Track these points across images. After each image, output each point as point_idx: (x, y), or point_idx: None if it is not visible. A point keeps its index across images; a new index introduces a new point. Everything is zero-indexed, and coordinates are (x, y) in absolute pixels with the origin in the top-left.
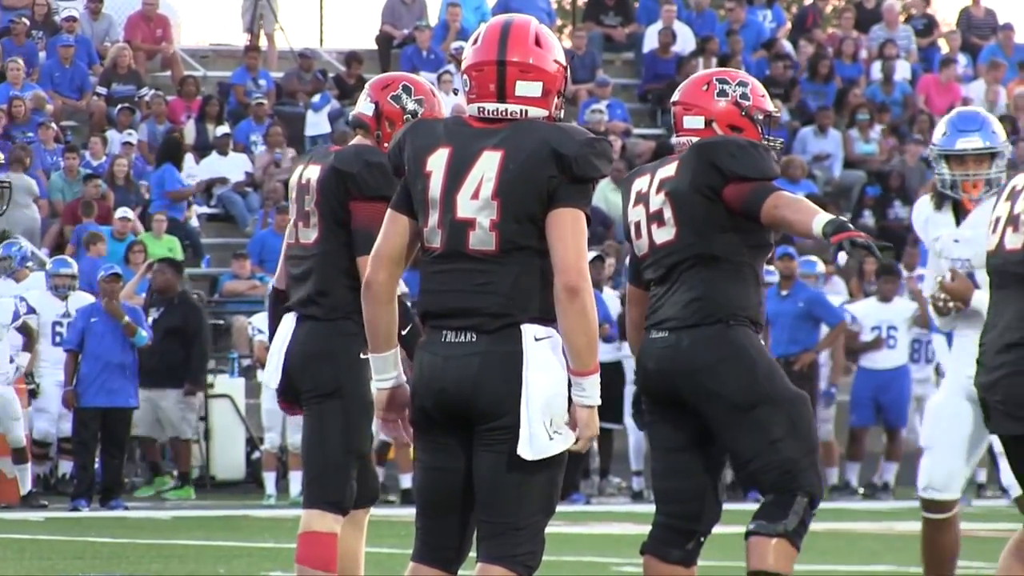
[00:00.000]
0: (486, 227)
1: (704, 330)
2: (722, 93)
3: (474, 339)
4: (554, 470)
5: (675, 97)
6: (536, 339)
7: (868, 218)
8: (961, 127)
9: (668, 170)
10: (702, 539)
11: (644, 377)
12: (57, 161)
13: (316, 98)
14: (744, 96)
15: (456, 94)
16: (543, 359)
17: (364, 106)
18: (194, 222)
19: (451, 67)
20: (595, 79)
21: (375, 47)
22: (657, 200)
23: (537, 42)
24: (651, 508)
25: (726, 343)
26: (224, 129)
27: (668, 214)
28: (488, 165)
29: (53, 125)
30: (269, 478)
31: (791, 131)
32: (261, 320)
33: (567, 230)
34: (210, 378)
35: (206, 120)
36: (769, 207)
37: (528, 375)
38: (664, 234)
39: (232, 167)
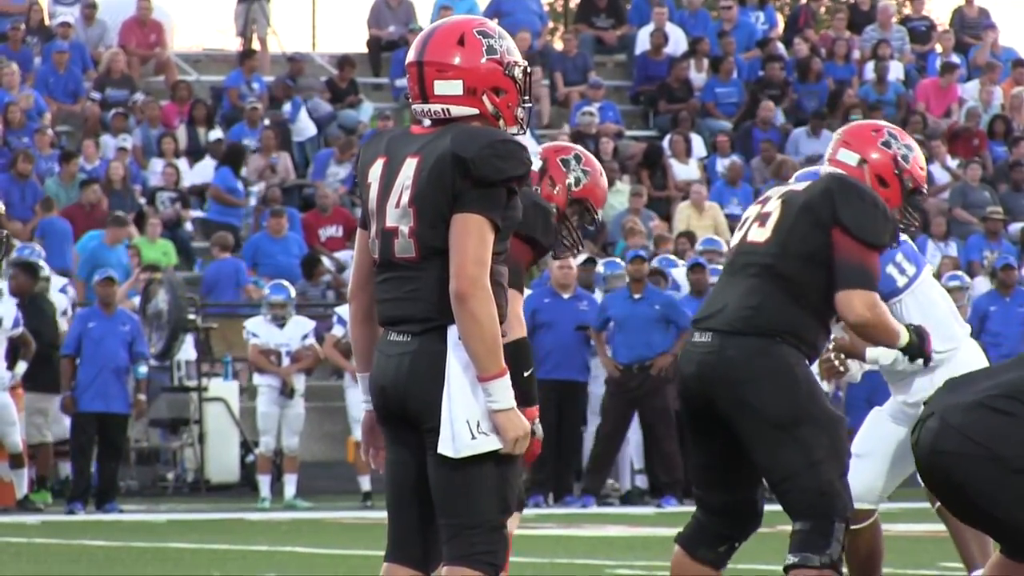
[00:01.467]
0: (406, 234)
1: (751, 340)
2: (886, 144)
3: (407, 339)
4: (504, 468)
5: (840, 132)
6: (460, 339)
7: None
8: None
9: (801, 185)
10: (736, 544)
11: (682, 382)
12: (52, 166)
13: (287, 107)
14: (904, 158)
15: None
16: (466, 357)
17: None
18: (188, 226)
19: None
20: (587, 81)
21: (366, 50)
22: (773, 204)
23: (461, 41)
24: (645, 510)
25: (772, 357)
26: (217, 134)
27: (773, 219)
28: (407, 173)
29: (49, 130)
30: (264, 481)
31: (783, 132)
32: (255, 324)
33: (461, 236)
34: (204, 381)
35: (198, 124)
36: (865, 305)
37: (450, 373)
38: (758, 235)
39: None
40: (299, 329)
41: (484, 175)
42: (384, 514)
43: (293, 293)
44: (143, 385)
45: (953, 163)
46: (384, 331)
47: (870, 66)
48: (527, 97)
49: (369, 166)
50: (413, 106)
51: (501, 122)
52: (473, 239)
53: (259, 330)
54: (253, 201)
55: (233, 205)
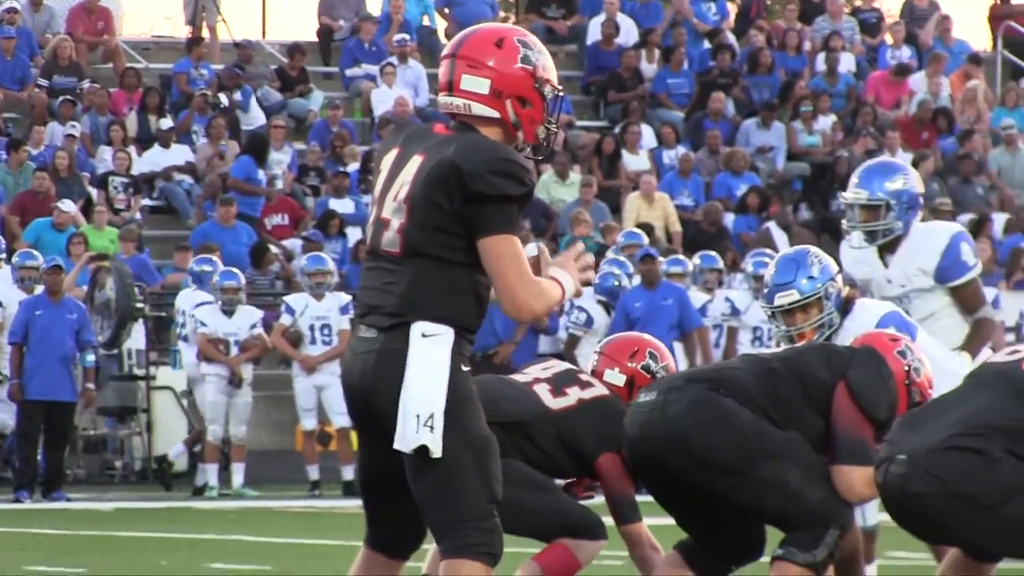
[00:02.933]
0: (395, 228)
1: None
2: (902, 354)
3: (375, 335)
4: (481, 456)
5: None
6: (424, 335)
7: (804, 211)
8: (777, 281)
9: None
10: (734, 567)
11: (629, 445)
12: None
13: (237, 95)
14: (916, 371)
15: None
16: (425, 353)
17: (614, 376)
18: (136, 214)
19: (393, 59)
20: None
21: (316, 39)
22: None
23: (499, 44)
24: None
25: (712, 407)
26: (168, 122)
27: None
28: (411, 169)
29: None
30: (212, 470)
31: (734, 124)
32: (204, 313)
33: (496, 261)
34: (152, 370)
35: (148, 112)
36: (864, 483)
37: (408, 368)
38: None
39: (174, 159)
40: (248, 318)
41: (479, 190)
42: (332, 503)
43: (243, 280)
44: (91, 374)
45: (907, 156)
46: (356, 326)
47: (821, 57)
48: (553, 120)
49: (384, 155)
50: (438, 98)
51: (520, 134)
52: (507, 260)
53: (208, 319)
54: (280, 184)
55: (254, 195)
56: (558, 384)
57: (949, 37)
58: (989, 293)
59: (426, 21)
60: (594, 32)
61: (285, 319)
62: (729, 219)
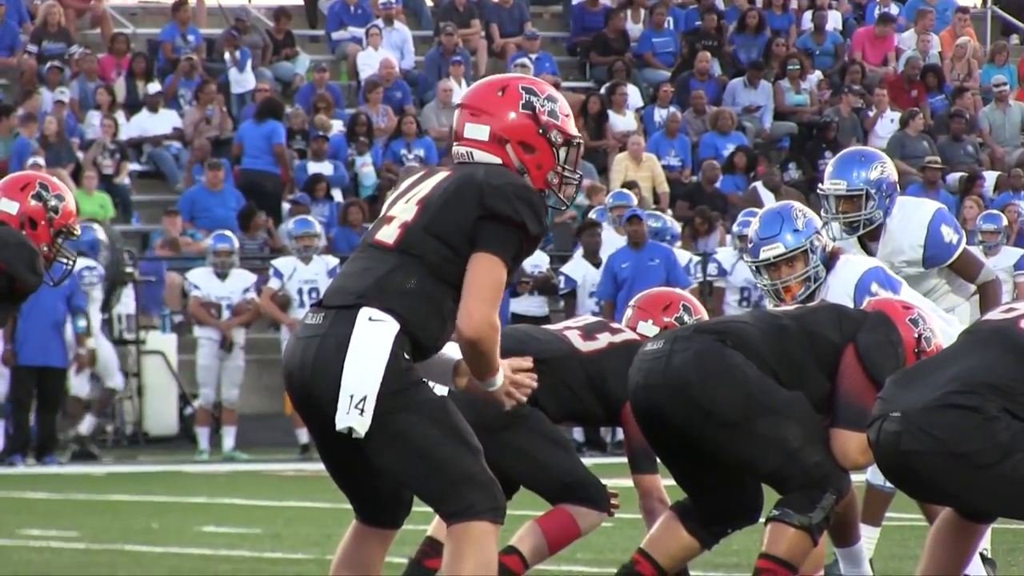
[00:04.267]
0: (397, 224)
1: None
2: (914, 322)
3: (319, 321)
4: (442, 420)
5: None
6: (370, 319)
7: (792, 171)
8: (762, 235)
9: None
10: (729, 531)
11: (632, 392)
12: None
13: (237, 54)
14: (926, 341)
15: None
16: (367, 335)
17: (647, 328)
18: (124, 179)
19: (379, 22)
20: (523, 32)
21: (302, 2)
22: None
23: (502, 91)
24: (616, 460)
25: (718, 358)
26: (156, 87)
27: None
28: (432, 182)
29: None
30: (203, 433)
31: (720, 84)
32: (197, 275)
33: (474, 275)
34: (142, 334)
35: (136, 77)
36: (860, 450)
37: (350, 349)
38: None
39: (162, 124)
40: (241, 282)
41: (492, 204)
42: (321, 467)
43: (236, 243)
44: (83, 339)
45: (895, 114)
46: (305, 313)
47: (808, 16)
48: (567, 167)
49: (406, 179)
50: (453, 147)
51: (528, 179)
52: (487, 280)
53: (201, 282)
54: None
55: (283, 162)
56: (589, 330)
57: None
58: (1014, 254)
59: None
60: None
61: (273, 283)
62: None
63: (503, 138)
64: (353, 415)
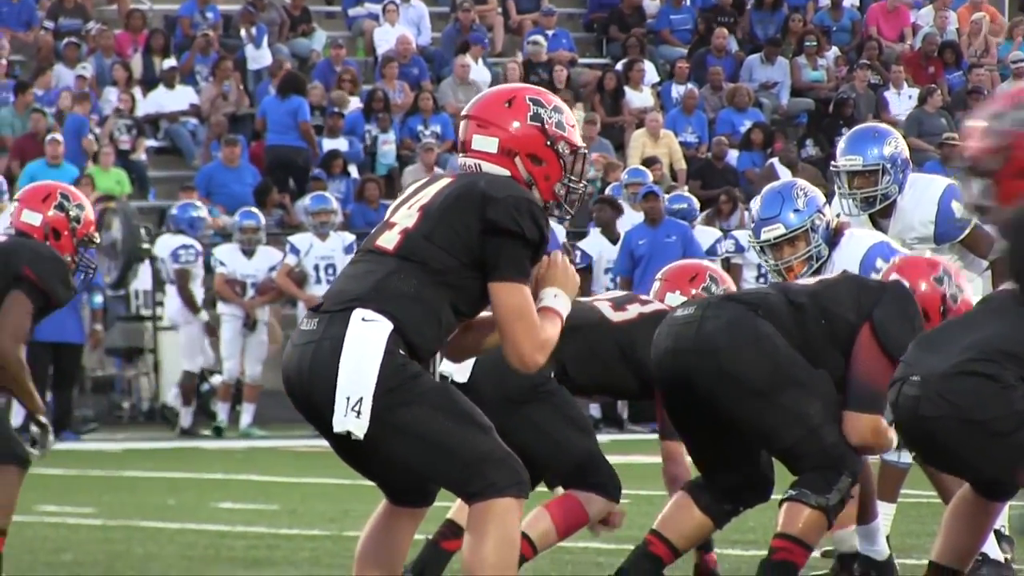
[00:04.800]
0: (398, 230)
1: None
2: (939, 280)
3: (314, 327)
4: (447, 405)
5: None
6: (364, 320)
7: (809, 148)
8: (763, 215)
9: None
10: (742, 509)
11: (660, 357)
12: (8, 96)
13: (253, 31)
14: (952, 299)
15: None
16: (361, 335)
17: (675, 300)
18: (141, 155)
19: None
20: (540, 8)
21: None
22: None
23: (509, 102)
24: (633, 436)
25: (749, 327)
26: (172, 62)
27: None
28: (434, 188)
29: (3, 60)
30: (222, 408)
31: (737, 60)
32: (223, 252)
33: (501, 313)
34: (159, 311)
35: (152, 53)
36: (873, 431)
37: (344, 351)
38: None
39: (178, 100)
40: (267, 260)
41: (494, 216)
42: (304, 441)
43: (263, 219)
44: (98, 315)
45: (912, 90)
46: (302, 319)
47: None
48: (574, 178)
49: (411, 184)
50: (458, 158)
51: (535, 191)
52: (514, 314)
53: (227, 258)
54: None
55: (308, 138)
56: (619, 302)
57: None
58: None
59: None
60: None
61: (290, 259)
62: (733, 156)
63: (512, 150)
64: (350, 417)
